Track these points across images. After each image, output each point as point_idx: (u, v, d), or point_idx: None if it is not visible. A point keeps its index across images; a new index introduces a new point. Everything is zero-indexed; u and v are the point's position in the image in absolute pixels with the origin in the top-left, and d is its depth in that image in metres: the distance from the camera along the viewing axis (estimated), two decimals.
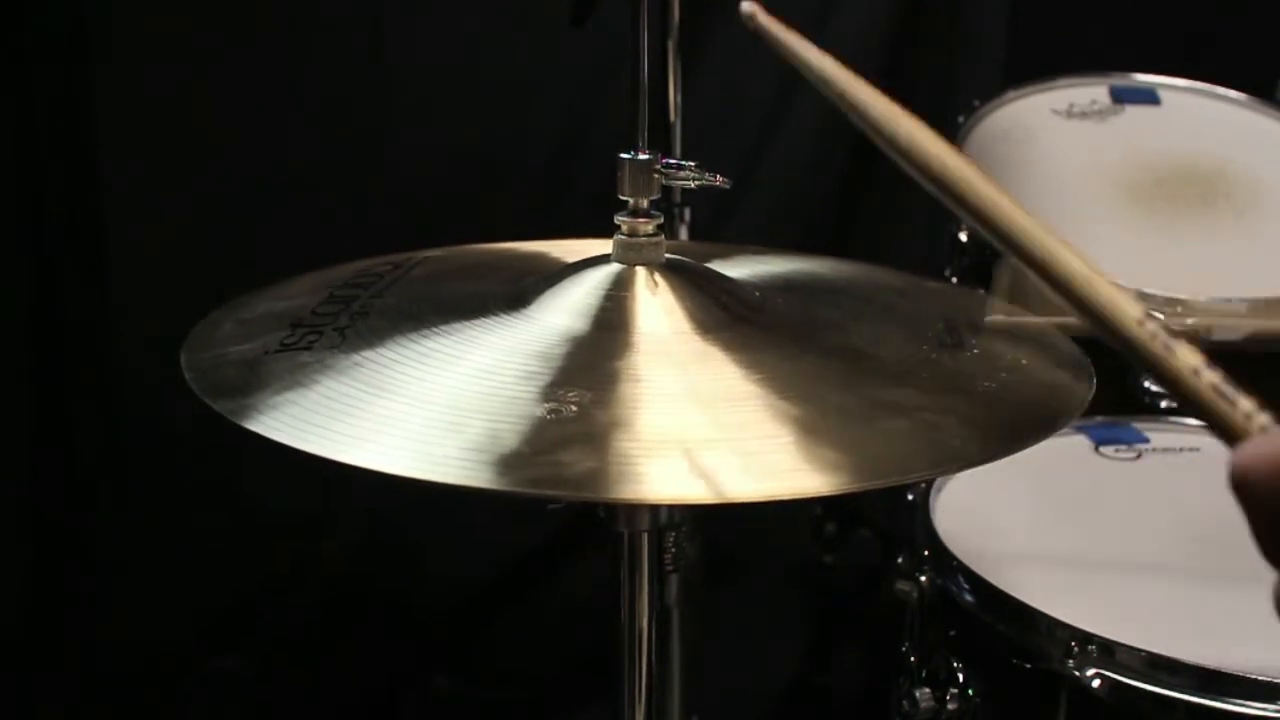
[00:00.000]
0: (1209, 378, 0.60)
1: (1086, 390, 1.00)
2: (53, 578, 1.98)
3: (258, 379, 0.95)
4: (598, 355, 0.95)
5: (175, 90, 1.91)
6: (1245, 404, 0.58)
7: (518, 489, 0.82)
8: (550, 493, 0.83)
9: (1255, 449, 0.55)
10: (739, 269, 1.12)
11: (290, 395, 0.92)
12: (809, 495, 0.83)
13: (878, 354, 0.99)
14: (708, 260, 1.11)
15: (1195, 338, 1.66)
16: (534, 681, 2.13)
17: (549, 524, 2.11)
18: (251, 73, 1.92)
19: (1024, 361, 1.02)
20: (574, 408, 0.88)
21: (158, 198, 1.92)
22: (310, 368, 0.95)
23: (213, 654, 2.05)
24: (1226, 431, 0.58)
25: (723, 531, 2.01)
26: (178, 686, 2.03)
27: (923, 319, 1.07)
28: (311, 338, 0.99)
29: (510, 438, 0.85)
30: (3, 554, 1.91)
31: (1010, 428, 0.92)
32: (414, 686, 2.10)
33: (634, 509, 1.04)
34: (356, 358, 0.96)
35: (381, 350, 0.96)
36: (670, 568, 1.09)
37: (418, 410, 0.89)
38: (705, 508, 1.29)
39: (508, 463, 0.84)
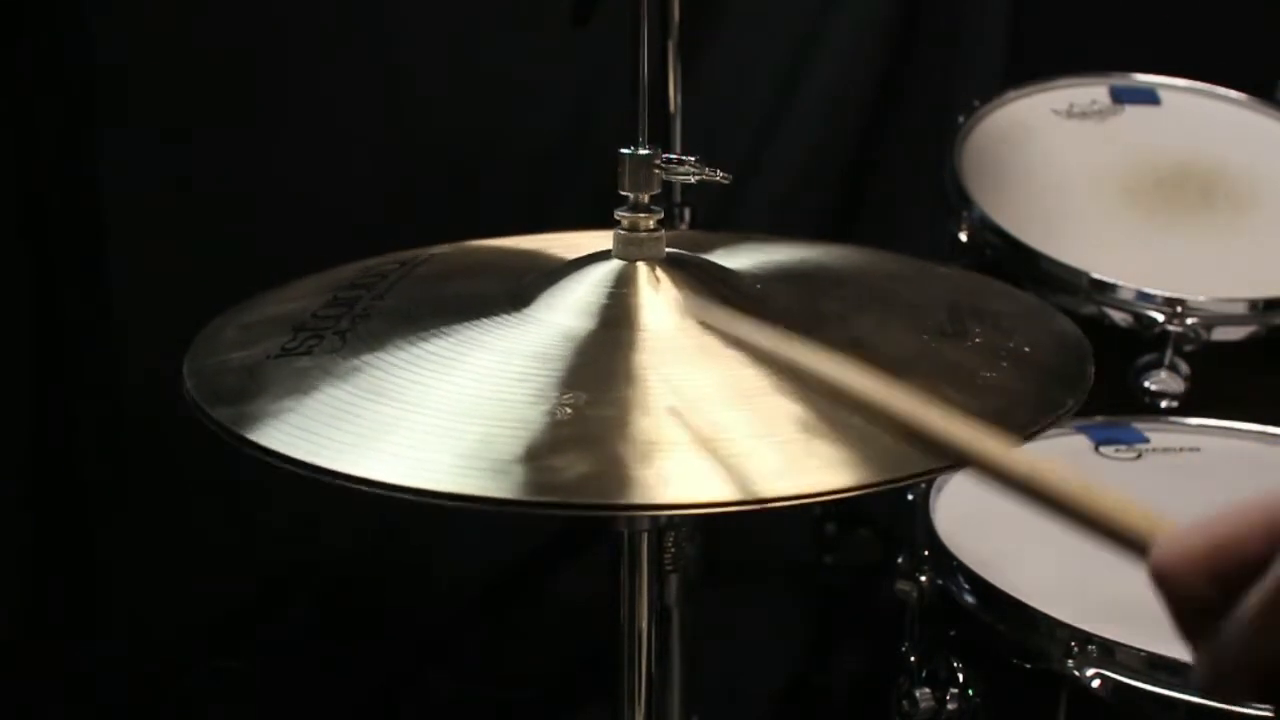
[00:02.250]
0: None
1: (1087, 378, 0.99)
2: (52, 578, 1.98)
3: (257, 385, 0.94)
4: (599, 354, 0.94)
5: (175, 90, 1.91)
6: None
7: (511, 495, 0.81)
8: (544, 499, 0.82)
9: (1172, 543, 0.58)
10: (740, 259, 1.11)
11: (288, 402, 0.91)
12: (808, 496, 0.82)
13: (879, 346, 0.99)
14: (709, 250, 1.10)
15: (1195, 337, 1.66)
16: (534, 682, 2.13)
17: (549, 524, 2.11)
18: (251, 73, 1.92)
19: (1026, 349, 1.01)
20: (568, 410, 0.87)
21: (158, 198, 1.92)
22: (309, 373, 0.94)
23: (213, 654, 2.05)
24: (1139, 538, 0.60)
25: (723, 531, 2.01)
26: (178, 686, 2.02)
27: (926, 307, 1.07)
28: (312, 342, 0.99)
29: (505, 443, 0.85)
30: (3, 554, 1.91)
31: (1010, 420, 0.92)
32: (414, 686, 2.10)
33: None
34: (355, 362, 0.95)
35: (381, 354, 0.96)
36: (670, 568, 1.09)
37: (414, 416, 0.89)
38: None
39: (502, 469, 0.83)
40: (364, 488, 0.84)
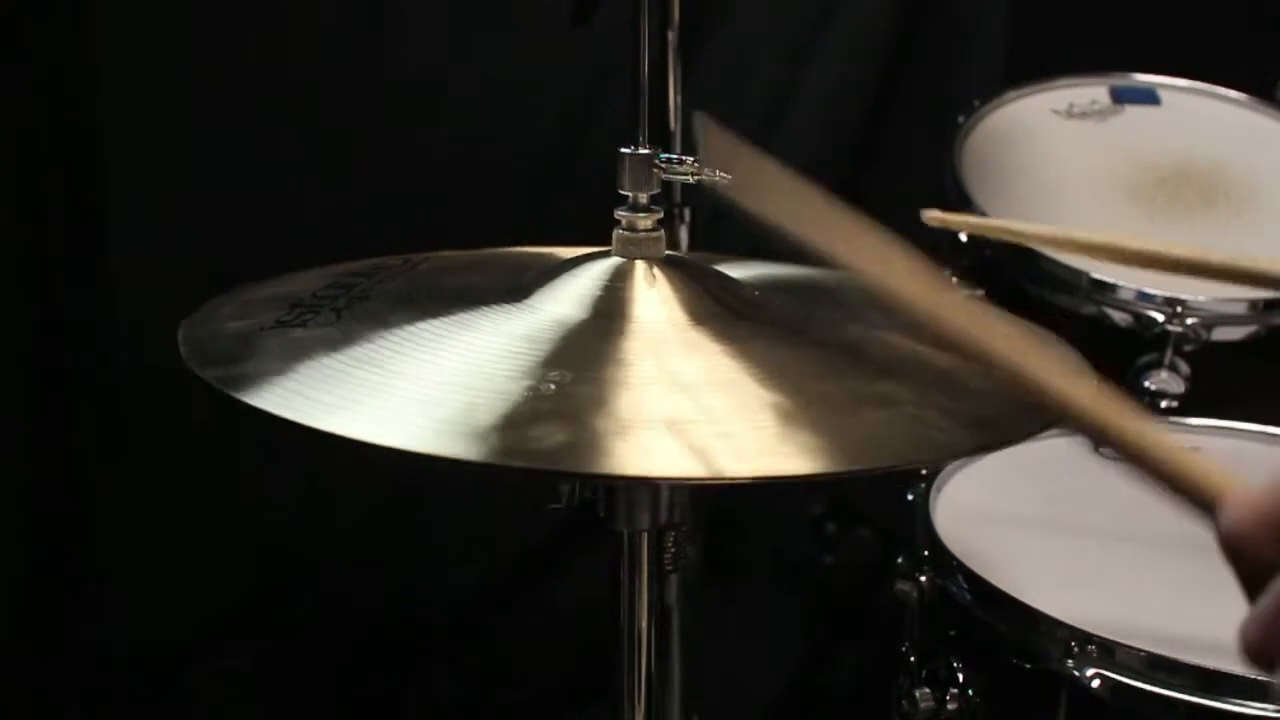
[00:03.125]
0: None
1: None
2: (53, 577, 1.98)
3: (249, 351, 0.96)
4: (587, 340, 0.96)
5: (175, 90, 1.91)
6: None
7: (487, 460, 0.83)
8: (520, 464, 0.83)
9: (1245, 504, 0.56)
10: (741, 270, 1.12)
11: (276, 365, 0.93)
12: (781, 477, 0.83)
13: (871, 351, 1.00)
14: (712, 263, 1.11)
15: (1195, 338, 1.66)
16: (534, 682, 2.13)
17: (549, 524, 2.11)
18: (251, 72, 1.92)
19: None
20: (553, 386, 0.89)
21: (158, 197, 1.92)
22: (302, 342, 0.96)
23: (213, 654, 2.05)
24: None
25: (723, 531, 2.01)
26: (178, 686, 2.03)
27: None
28: (307, 317, 1.00)
29: (485, 411, 0.86)
30: (2, 553, 1.91)
31: (995, 424, 0.92)
32: (414, 686, 2.10)
33: (633, 508, 1.04)
34: (349, 335, 0.97)
35: (375, 330, 0.97)
36: (670, 568, 1.10)
37: (400, 384, 0.90)
38: (703, 504, 1.29)
39: (480, 434, 0.84)
40: (345, 446, 0.85)
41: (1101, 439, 0.63)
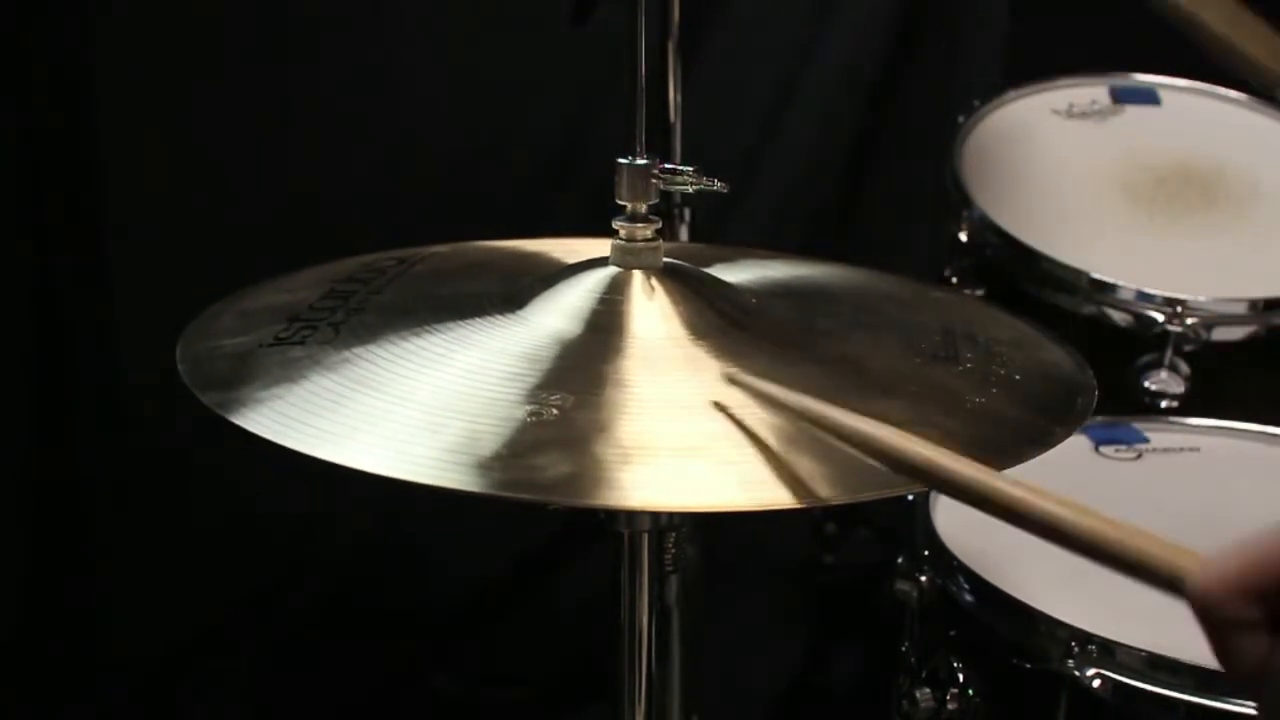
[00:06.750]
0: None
1: (1082, 410, 0.99)
2: (53, 578, 1.98)
3: (248, 372, 0.95)
4: (587, 358, 0.95)
5: (175, 90, 1.91)
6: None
7: (491, 491, 0.82)
8: (524, 496, 0.83)
9: (1208, 568, 0.58)
10: (740, 274, 1.11)
11: (276, 390, 0.92)
12: (782, 507, 0.83)
13: (869, 365, 0.99)
14: (710, 263, 1.10)
15: (1195, 338, 1.66)
16: (534, 682, 2.13)
17: (549, 524, 2.11)
18: (251, 72, 1.92)
19: (1018, 378, 1.01)
20: (555, 411, 0.88)
21: (157, 197, 1.92)
22: (300, 363, 0.95)
23: (213, 654, 2.05)
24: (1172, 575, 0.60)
25: (723, 532, 2.01)
26: (178, 686, 2.03)
27: (919, 329, 1.07)
28: (306, 332, 0.99)
29: (489, 439, 0.85)
30: (2, 554, 1.91)
31: (992, 447, 0.91)
32: (414, 686, 2.10)
33: (633, 510, 1.04)
34: (347, 354, 0.96)
35: (372, 347, 0.96)
36: (670, 568, 1.09)
37: (400, 409, 0.89)
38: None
39: (483, 464, 0.84)
40: (370, 477, 0.85)
41: (1065, 542, 0.65)
